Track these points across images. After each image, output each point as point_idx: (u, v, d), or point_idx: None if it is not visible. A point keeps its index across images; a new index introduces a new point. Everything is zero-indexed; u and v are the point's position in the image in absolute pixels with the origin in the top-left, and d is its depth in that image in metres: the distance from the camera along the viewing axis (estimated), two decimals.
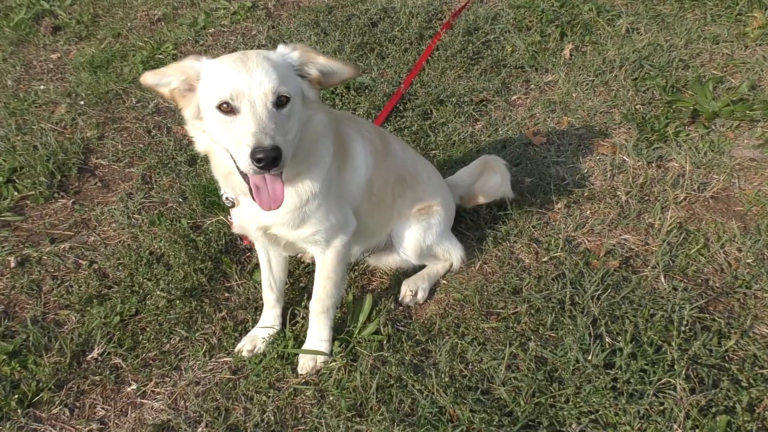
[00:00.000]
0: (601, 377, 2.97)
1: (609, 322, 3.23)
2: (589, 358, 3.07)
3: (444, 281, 3.73)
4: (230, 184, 2.89)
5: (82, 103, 5.33)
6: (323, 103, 2.85)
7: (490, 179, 3.95)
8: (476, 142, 4.72)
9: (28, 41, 6.33)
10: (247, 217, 3.02)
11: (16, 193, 4.52)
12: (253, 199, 2.64)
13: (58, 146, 4.84)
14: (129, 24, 6.50)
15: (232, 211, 3.10)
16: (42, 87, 5.59)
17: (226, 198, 3.02)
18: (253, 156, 2.38)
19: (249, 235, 3.16)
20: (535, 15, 6.02)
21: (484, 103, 5.11)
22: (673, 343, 3.03)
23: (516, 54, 5.56)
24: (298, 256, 3.81)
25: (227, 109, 2.49)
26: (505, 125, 4.86)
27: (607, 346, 3.13)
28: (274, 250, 3.31)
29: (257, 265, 3.82)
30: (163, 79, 2.65)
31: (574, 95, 5.10)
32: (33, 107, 5.37)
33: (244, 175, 2.60)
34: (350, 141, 3.11)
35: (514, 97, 5.19)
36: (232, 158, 2.56)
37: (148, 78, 2.68)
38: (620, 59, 5.31)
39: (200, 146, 2.84)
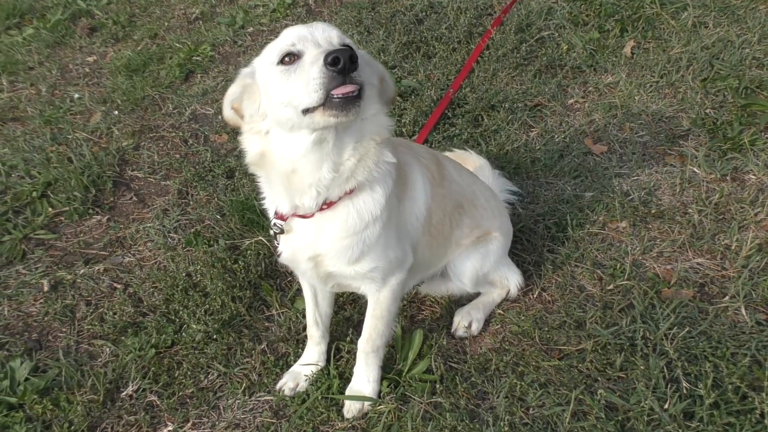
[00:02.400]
0: (681, 431, 2.66)
1: (686, 364, 2.91)
2: (666, 407, 2.76)
3: (500, 311, 3.44)
4: (290, 190, 2.53)
5: (116, 113, 5.15)
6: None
7: None
8: (531, 150, 4.40)
9: (64, 43, 6.17)
10: (299, 246, 2.69)
11: (50, 209, 4.37)
12: (325, 105, 2.22)
13: (93, 158, 4.67)
14: (166, 24, 6.30)
15: (281, 239, 2.76)
16: (77, 95, 5.41)
17: (275, 224, 2.72)
18: (326, 60, 2.11)
19: (297, 268, 2.85)
20: (593, 8, 5.64)
21: (538, 107, 4.78)
22: (764, 393, 2.71)
23: (573, 53, 5.20)
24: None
25: (290, 60, 2.26)
26: (561, 132, 4.53)
27: (685, 392, 2.81)
28: (322, 286, 3.04)
29: (299, 290, 3.60)
30: (228, 98, 2.52)
31: (636, 98, 4.73)
32: (68, 115, 5.22)
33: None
34: (408, 168, 2.83)
35: (571, 101, 4.84)
36: (296, 114, 2.28)
37: (225, 109, 2.57)
38: (687, 57, 4.91)
39: (254, 150, 2.52)
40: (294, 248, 2.73)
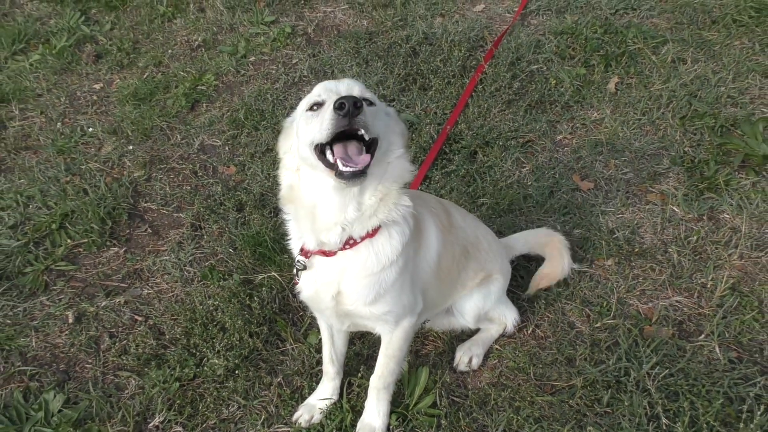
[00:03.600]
0: None
1: (666, 401, 3.24)
2: None
3: (497, 347, 3.75)
4: (316, 225, 2.79)
5: (131, 147, 5.38)
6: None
7: (558, 264, 3.96)
8: (523, 186, 4.71)
9: (71, 70, 6.38)
10: (323, 283, 2.94)
11: (69, 241, 4.60)
12: (333, 167, 2.53)
13: (107, 189, 4.91)
14: (170, 51, 6.52)
15: (303, 276, 3.01)
16: (90, 129, 5.63)
17: (298, 260, 2.97)
18: (335, 105, 2.42)
19: (318, 306, 3.09)
20: (578, 42, 5.96)
21: (530, 144, 5.09)
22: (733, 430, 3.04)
23: (561, 88, 5.50)
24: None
25: (316, 108, 2.64)
26: (551, 168, 4.84)
27: (665, 429, 3.14)
28: (339, 325, 3.33)
29: (311, 325, 3.89)
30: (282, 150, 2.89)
31: (620, 135, 5.05)
32: (80, 145, 5.44)
33: (323, 157, 2.58)
34: (422, 219, 3.12)
35: (560, 137, 5.15)
36: (313, 153, 2.60)
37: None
38: (667, 95, 5.25)
39: (285, 183, 2.85)
40: (317, 286, 2.98)
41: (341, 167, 2.49)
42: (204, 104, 5.82)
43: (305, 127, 2.64)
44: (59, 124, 5.70)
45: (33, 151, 5.44)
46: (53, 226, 4.67)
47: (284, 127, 2.90)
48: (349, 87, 2.68)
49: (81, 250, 4.59)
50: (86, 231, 4.63)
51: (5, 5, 7.29)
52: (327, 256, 2.86)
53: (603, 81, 5.58)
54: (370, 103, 2.64)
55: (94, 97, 6.01)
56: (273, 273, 4.18)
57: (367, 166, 2.49)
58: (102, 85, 6.19)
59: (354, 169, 2.47)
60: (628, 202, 4.53)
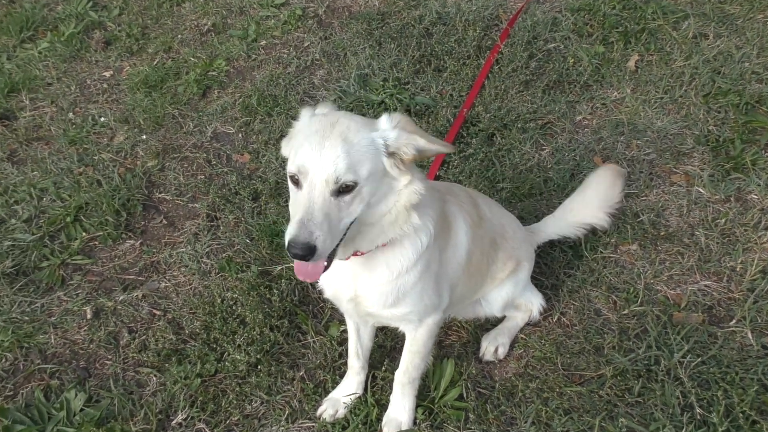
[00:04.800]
0: None
1: (699, 390, 3.17)
2: None
3: (522, 336, 3.68)
4: None
5: (144, 137, 5.30)
6: (422, 172, 2.72)
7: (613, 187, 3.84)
8: (543, 170, 4.61)
9: (80, 57, 6.28)
10: (340, 286, 2.92)
11: (84, 234, 4.54)
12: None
13: (121, 180, 4.85)
14: (179, 36, 6.41)
15: (322, 276, 2.83)
16: (102, 118, 5.55)
17: None
18: (288, 247, 2.36)
19: (340, 305, 3.07)
20: (596, 19, 5.82)
21: (549, 125, 4.98)
22: None
23: (579, 66, 5.37)
24: None
25: (295, 180, 2.47)
26: (571, 150, 4.73)
27: (699, 418, 3.07)
28: (363, 323, 3.28)
29: (332, 317, 3.84)
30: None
31: (642, 115, 4.93)
32: (92, 135, 5.36)
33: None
34: (452, 217, 3.02)
35: (579, 118, 5.04)
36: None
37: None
38: (690, 72, 5.11)
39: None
40: (335, 288, 2.95)
41: (295, 270, 2.58)
42: (216, 90, 5.73)
43: (290, 189, 2.55)
44: (71, 114, 5.61)
45: (45, 142, 5.37)
46: (68, 218, 4.61)
47: (289, 132, 2.70)
48: (325, 169, 2.36)
49: (96, 243, 4.53)
50: (101, 223, 4.57)
51: None
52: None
53: (623, 59, 5.45)
54: (353, 186, 2.40)
55: (105, 85, 5.92)
56: (291, 264, 4.12)
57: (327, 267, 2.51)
58: (112, 72, 6.10)
59: (305, 278, 2.56)
60: (652, 183, 4.42)
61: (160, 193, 4.85)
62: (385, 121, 2.56)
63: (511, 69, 5.36)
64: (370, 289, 2.82)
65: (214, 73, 5.86)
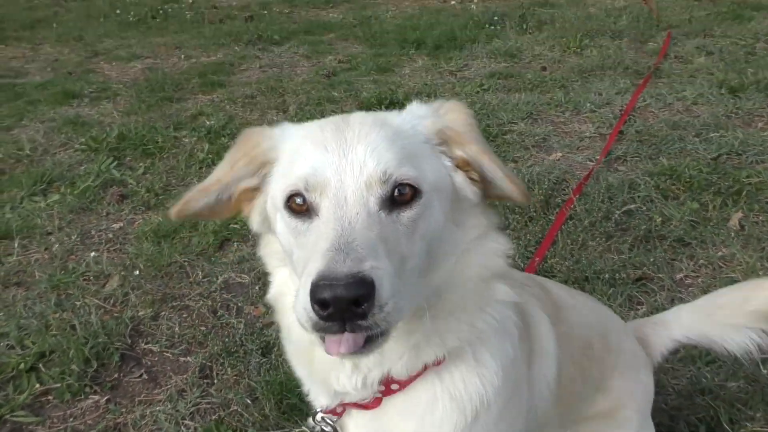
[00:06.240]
0: None
1: None
2: None
3: None
4: (317, 374, 1.73)
5: (137, 273, 4.40)
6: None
7: None
8: None
9: (90, 209, 5.57)
10: None
11: (38, 385, 3.48)
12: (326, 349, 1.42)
13: (101, 326, 3.86)
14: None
15: (339, 426, 1.85)
16: (94, 254, 4.70)
17: (322, 418, 1.83)
18: (314, 293, 1.26)
19: None
20: (682, 182, 4.99)
21: (643, 281, 3.96)
22: None
23: (670, 224, 4.45)
24: None
25: (300, 207, 1.47)
26: None
27: None
28: None
29: None
30: (214, 188, 1.68)
31: (761, 273, 3.90)
32: (81, 280, 4.46)
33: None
34: (527, 312, 1.93)
35: (680, 275, 4.02)
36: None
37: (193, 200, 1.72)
38: None
39: (273, 291, 1.85)
40: None
41: (325, 347, 1.42)
42: (235, 242, 4.89)
43: (288, 242, 1.56)
44: (60, 260, 4.76)
45: (23, 287, 4.47)
46: (22, 366, 3.58)
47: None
48: (361, 167, 1.43)
49: (51, 397, 3.45)
50: (62, 374, 3.52)
51: (37, 152, 6.72)
52: (366, 408, 1.72)
53: (722, 218, 4.52)
54: (414, 193, 1.45)
55: (110, 235, 5.13)
56: (305, 429, 2.94)
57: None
58: (122, 224, 5.33)
59: (346, 351, 1.38)
60: None
61: (146, 343, 3.82)
62: (417, 103, 1.68)
63: (588, 223, 4.45)
64: None
65: (236, 226, 5.06)
